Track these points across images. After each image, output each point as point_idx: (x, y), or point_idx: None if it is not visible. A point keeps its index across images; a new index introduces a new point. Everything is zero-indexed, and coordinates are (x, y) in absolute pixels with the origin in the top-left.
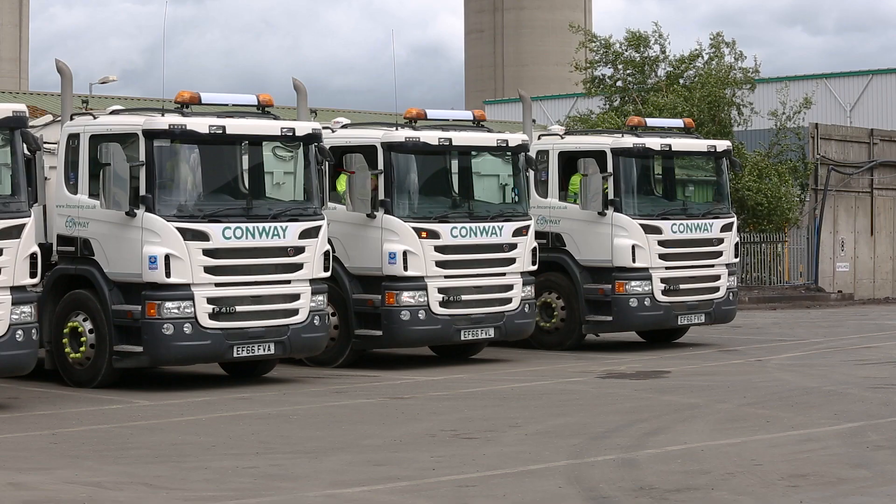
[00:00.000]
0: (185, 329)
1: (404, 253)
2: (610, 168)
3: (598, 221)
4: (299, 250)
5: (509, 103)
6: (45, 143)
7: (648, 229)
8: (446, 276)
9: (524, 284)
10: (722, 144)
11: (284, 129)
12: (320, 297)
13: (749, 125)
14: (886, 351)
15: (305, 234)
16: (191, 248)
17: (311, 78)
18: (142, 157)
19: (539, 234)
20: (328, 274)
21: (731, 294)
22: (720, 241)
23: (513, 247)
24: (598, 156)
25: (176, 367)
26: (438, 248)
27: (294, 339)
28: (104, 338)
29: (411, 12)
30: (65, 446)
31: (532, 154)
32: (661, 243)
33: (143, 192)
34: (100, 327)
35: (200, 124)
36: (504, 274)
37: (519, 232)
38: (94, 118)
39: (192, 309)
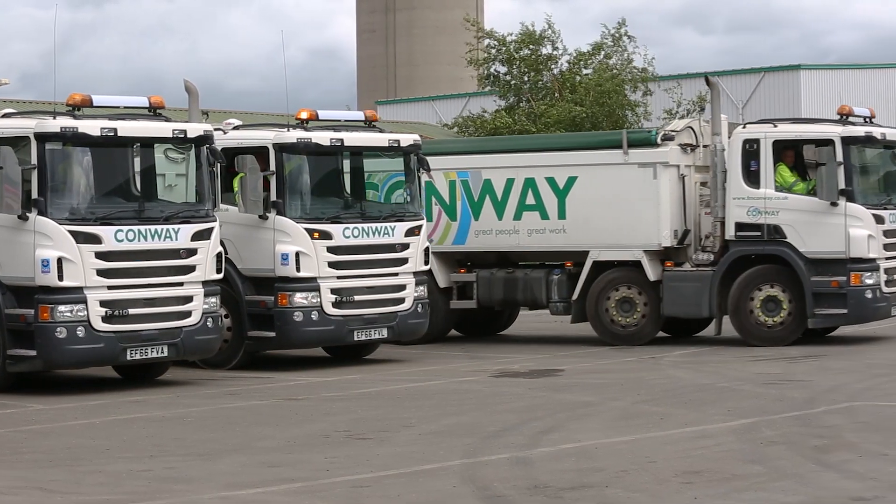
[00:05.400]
0: (78, 332)
1: (297, 254)
2: (840, 157)
3: (828, 212)
4: (192, 252)
5: (402, 103)
6: None
7: (878, 219)
8: (339, 277)
9: (417, 284)
10: None
11: (176, 131)
12: (213, 299)
13: (644, 124)
14: (779, 347)
15: (198, 236)
16: (83, 251)
17: (209, 80)
18: (34, 160)
19: (752, 227)
20: (221, 276)
21: None
22: None
23: (405, 247)
24: (826, 145)
25: (70, 371)
26: (331, 249)
27: (187, 342)
28: None
29: (307, 14)
30: None
31: (739, 143)
32: (885, 233)
33: (35, 195)
34: None
35: (92, 127)
36: (397, 274)
37: (411, 232)
38: None
39: (86, 312)
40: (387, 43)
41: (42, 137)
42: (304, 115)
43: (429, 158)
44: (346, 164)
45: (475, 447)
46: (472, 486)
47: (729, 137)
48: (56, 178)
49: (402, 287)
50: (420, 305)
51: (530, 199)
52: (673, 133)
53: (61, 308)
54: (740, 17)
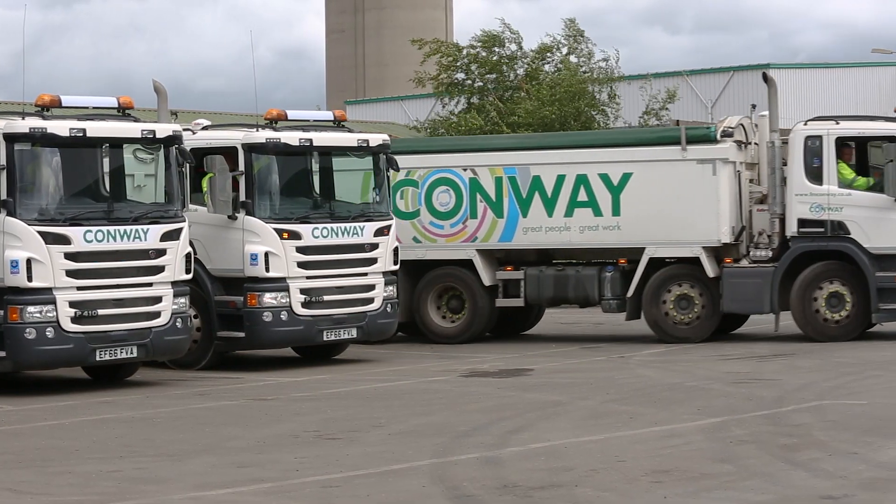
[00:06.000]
0: (47, 333)
1: (266, 254)
2: None
3: (893, 208)
4: (161, 253)
5: (371, 103)
6: None
7: None
8: (308, 277)
9: (386, 284)
10: None
11: (145, 132)
12: (182, 300)
13: (613, 123)
14: (748, 346)
15: (167, 237)
16: (52, 251)
17: (178, 81)
18: (2, 160)
19: (815, 223)
20: (190, 276)
21: None
22: None
23: (374, 247)
24: (890, 141)
25: (39, 372)
26: (300, 249)
27: (156, 342)
28: None
29: (276, 14)
30: None
31: (801, 140)
32: None
33: (4, 195)
34: None
35: (61, 127)
36: (366, 274)
37: (380, 232)
38: None
39: (55, 313)
40: (356, 43)
41: (11, 138)
42: (273, 115)
43: (474, 155)
44: (315, 164)
45: (445, 447)
46: (442, 485)
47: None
48: (25, 178)
49: (371, 287)
50: (389, 305)
51: (582, 196)
52: (731, 129)
53: (30, 309)
54: (709, 17)
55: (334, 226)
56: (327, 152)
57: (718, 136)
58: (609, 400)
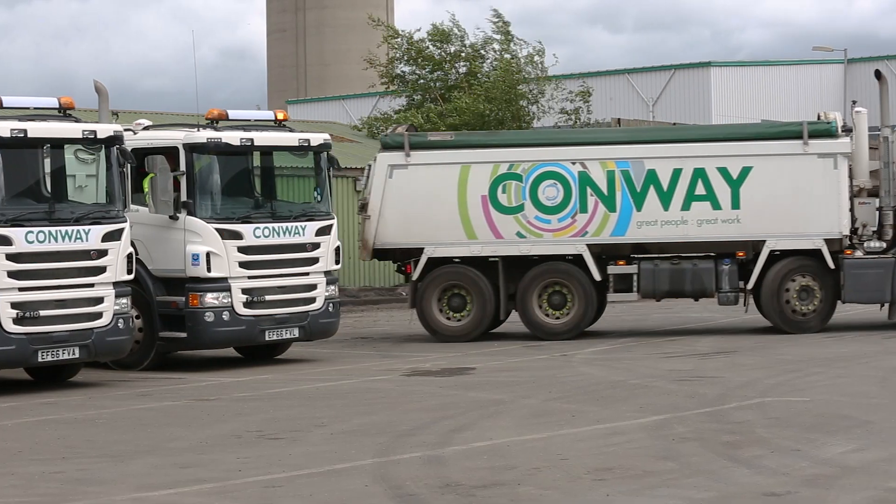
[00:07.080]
0: None
1: (207, 254)
2: None
3: None
4: (102, 253)
5: (312, 103)
6: None
7: None
8: (250, 277)
9: (328, 283)
10: None
11: (86, 132)
12: (124, 300)
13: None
14: (691, 344)
15: (108, 237)
16: None
17: (120, 81)
18: None
19: None
20: (132, 276)
21: None
22: None
23: (316, 246)
24: None
25: None
26: (241, 249)
27: (98, 343)
28: None
29: (219, 14)
30: None
31: None
32: None
33: None
34: None
35: (2, 128)
36: (308, 273)
37: (322, 231)
38: None
39: None
40: (297, 42)
41: None
42: (214, 115)
43: (584, 148)
44: (257, 164)
45: (387, 446)
46: (385, 485)
47: None
48: None
49: (313, 287)
50: (331, 305)
51: (700, 189)
52: (850, 125)
53: None
54: (650, 16)
55: (276, 225)
56: (268, 152)
57: (839, 131)
58: (552, 398)
